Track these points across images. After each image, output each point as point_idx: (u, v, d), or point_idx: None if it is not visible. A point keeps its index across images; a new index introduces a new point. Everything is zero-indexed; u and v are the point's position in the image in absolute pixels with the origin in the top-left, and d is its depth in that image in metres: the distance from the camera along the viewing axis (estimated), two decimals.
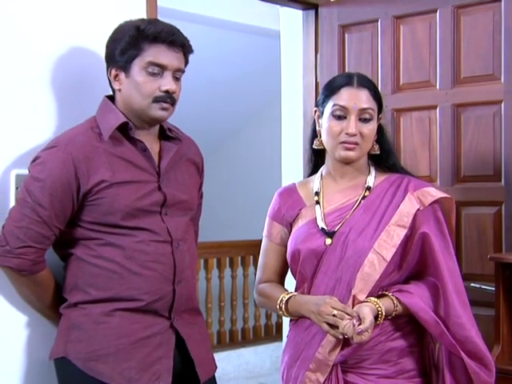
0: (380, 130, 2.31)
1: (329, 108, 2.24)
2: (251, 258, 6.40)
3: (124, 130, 2.17)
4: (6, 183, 2.25)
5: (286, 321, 6.17)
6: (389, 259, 2.16)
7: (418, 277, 2.24)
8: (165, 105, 2.14)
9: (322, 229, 2.24)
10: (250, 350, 6.26)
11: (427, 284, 2.21)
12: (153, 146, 2.22)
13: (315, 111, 2.33)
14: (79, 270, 2.17)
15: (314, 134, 2.34)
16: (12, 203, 2.21)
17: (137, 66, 2.13)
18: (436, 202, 2.23)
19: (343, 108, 2.22)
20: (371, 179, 2.29)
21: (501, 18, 3.11)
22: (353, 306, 2.15)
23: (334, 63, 3.59)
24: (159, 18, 2.38)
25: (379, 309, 2.13)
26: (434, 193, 2.23)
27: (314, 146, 2.33)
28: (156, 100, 2.13)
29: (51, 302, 2.24)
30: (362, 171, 2.31)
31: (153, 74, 2.12)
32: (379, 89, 2.37)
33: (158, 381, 2.15)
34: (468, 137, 3.21)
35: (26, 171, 2.17)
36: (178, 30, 2.18)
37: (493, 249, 3.10)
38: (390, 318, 2.18)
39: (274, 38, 6.12)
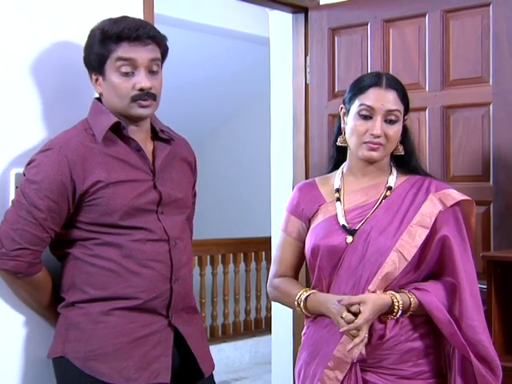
0: (404, 131, 2.22)
1: (355, 107, 2.16)
2: (231, 255, 6.36)
3: (117, 130, 2.10)
4: (5, 182, 2.18)
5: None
6: (410, 259, 2.08)
7: (436, 277, 2.16)
8: (144, 102, 2.07)
9: (343, 226, 2.15)
10: (230, 345, 6.21)
11: (444, 283, 2.13)
12: (146, 145, 2.16)
13: (341, 108, 2.24)
14: (76, 269, 2.10)
15: (339, 131, 2.25)
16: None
17: (109, 67, 2.07)
18: (457, 204, 2.15)
19: (370, 108, 2.13)
20: (393, 179, 2.21)
21: (489, 22, 3.06)
22: None
23: (324, 65, 3.52)
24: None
25: (395, 300, 2.05)
26: (455, 195, 2.16)
27: (338, 143, 2.25)
28: (134, 99, 2.06)
29: (48, 302, 2.17)
30: (384, 171, 2.22)
31: (126, 74, 2.06)
32: None
33: (157, 379, 2.08)
34: (457, 138, 3.15)
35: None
36: (145, 24, 2.10)
37: (481, 247, 3.04)
38: (407, 315, 2.10)
39: (253, 42, 6.12)
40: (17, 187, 2.13)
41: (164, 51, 2.14)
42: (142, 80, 2.05)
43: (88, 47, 2.12)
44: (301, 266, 2.32)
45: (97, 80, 2.11)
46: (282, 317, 3.81)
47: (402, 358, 2.11)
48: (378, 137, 2.12)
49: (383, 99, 2.13)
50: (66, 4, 2.35)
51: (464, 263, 2.11)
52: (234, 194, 7.79)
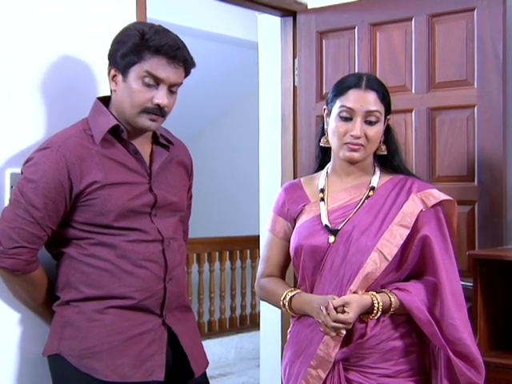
0: (387, 130, 2.19)
1: (336, 108, 2.13)
2: (217, 254, 6.33)
3: (115, 132, 2.06)
4: (1, 182, 2.15)
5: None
6: (391, 258, 2.05)
7: (418, 277, 2.13)
8: (154, 116, 2.03)
9: (326, 226, 2.13)
10: (215, 341, 6.16)
11: (426, 283, 2.10)
12: (144, 148, 2.12)
13: (324, 109, 2.21)
14: (71, 268, 2.07)
15: (323, 132, 2.22)
16: (7, 202, 2.11)
17: (134, 73, 2.01)
18: (439, 203, 2.12)
19: (349, 109, 2.10)
20: (375, 179, 2.18)
21: (474, 26, 3.06)
22: None
23: (312, 68, 3.50)
24: None
25: (375, 300, 2.03)
26: (436, 194, 2.13)
27: (321, 144, 2.23)
28: (145, 111, 2.01)
29: (44, 300, 2.14)
30: (367, 171, 2.20)
31: (148, 85, 2.01)
32: None
33: (151, 377, 2.06)
34: (442, 139, 3.15)
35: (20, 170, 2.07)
36: (183, 45, 2.05)
37: (467, 246, 3.03)
38: (388, 315, 2.08)
39: (241, 46, 6.09)
40: (12, 187, 2.10)
41: (186, 75, 2.09)
42: (161, 97, 2.01)
43: (119, 44, 2.03)
44: (287, 266, 2.30)
45: (114, 76, 2.05)
46: (269, 314, 3.78)
47: (384, 357, 2.08)
48: (358, 138, 2.09)
49: (363, 100, 2.10)
50: (62, 6, 2.32)
51: (445, 262, 2.08)
52: (222, 194, 7.75)
